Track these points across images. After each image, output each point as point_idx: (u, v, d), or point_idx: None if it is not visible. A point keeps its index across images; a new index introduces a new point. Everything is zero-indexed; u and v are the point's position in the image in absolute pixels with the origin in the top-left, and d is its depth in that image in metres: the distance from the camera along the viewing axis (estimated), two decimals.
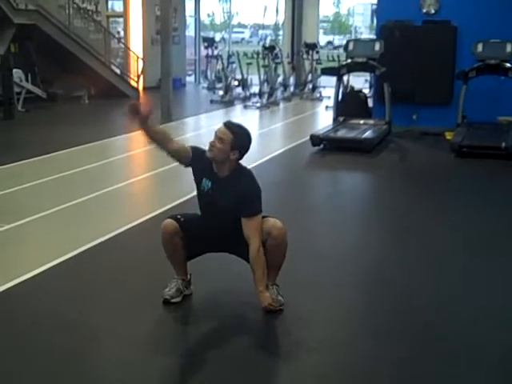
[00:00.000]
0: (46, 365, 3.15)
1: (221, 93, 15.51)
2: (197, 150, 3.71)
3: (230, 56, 16.37)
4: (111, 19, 18.98)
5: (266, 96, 14.63)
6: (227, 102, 14.75)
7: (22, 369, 3.11)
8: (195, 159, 3.67)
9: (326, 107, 13.78)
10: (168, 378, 3.11)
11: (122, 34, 18.76)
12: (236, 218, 3.63)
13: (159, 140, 3.71)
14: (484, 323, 3.66)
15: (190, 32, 21.21)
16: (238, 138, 3.60)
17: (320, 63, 16.62)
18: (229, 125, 3.63)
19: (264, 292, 3.59)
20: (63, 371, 3.09)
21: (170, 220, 3.73)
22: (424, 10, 10.56)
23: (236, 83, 15.75)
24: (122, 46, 17.74)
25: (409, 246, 5.08)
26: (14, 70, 12.24)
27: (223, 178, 3.65)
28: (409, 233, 5.45)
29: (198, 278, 3.93)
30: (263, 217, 3.66)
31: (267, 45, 16.27)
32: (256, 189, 3.68)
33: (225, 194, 3.63)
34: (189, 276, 3.88)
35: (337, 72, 10.68)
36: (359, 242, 5.25)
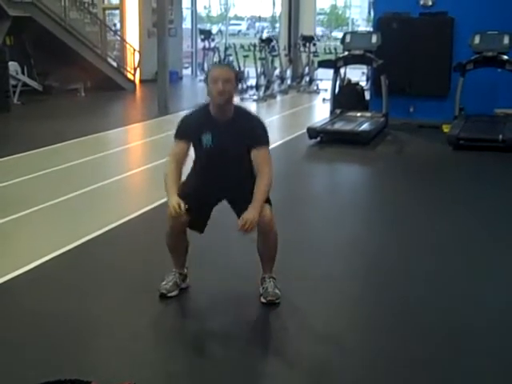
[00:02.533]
0: (44, 358, 3.14)
1: None
2: (182, 131, 3.64)
3: (226, 48, 16.34)
4: (107, 11, 18.92)
5: (262, 89, 14.59)
6: None
7: (20, 361, 3.10)
8: (187, 135, 3.61)
9: (323, 100, 13.76)
10: (164, 371, 3.11)
11: (118, 26, 18.70)
12: (241, 159, 3.59)
13: (178, 182, 3.64)
14: (486, 315, 3.67)
15: (187, 24, 21.14)
16: (236, 72, 3.64)
17: (317, 56, 16.58)
18: (221, 65, 3.67)
19: (257, 211, 3.44)
20: (61, 364, 3.08)
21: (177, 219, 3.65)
22: (421, 2, 10.52)
23: None
24: (119, 38, 17.68)
25: (406, 238, 5.08)
26: (10, 63, 12.19)
27: (225, 122, 3.59)
28: (406, 224, 5.44)
29: (194, 271, 3.93)
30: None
31: (264, 37, 16.22)
32: (261, 121, 3.70)
33: (231, 136, 3.57)
34: (186, 269, 3.88)
35: (334, 65, 10.65)
36: (356, 234, 5.25)
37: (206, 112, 3.63)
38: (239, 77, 3.65)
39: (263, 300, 3.71)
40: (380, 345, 3.32)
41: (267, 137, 3.66)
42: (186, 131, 3.65)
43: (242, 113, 3.71)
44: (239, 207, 3.61)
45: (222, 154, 3.60)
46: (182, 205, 3.45)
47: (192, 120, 3.67)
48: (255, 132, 3.62)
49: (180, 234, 3.70)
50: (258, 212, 3.47)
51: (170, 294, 3.76)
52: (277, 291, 3.72)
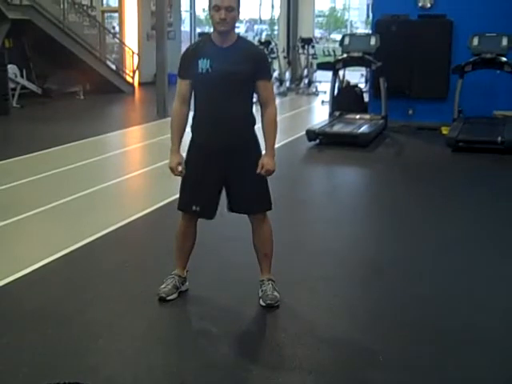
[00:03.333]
0: (43, 360, 3.14)
1: None
2: (183, 67, 3.58)
3: None
4: (106, 14, 18.92)
5: None
6: None
7: (21, 363, 3.10)
8: (188, 70, 3.55)
9: (322, 102, 13.77)
10: (163, 374, 3.10)
11: (117, 29, 18.70)
12: (243, 84, 3.51)
13: (185, 126, 3.65)
14: (487, 315, 3.67)
15: (186, 27, 21.16)
16: None
17: (316, 58, 16.59)
18: None
19: (272, 157, 3.56)
20: (61, 366, 3.08)
21: (189, 215, 3.69)
22: (420, 5, 10.53)
23: None
24: (117, 41, 17.69)
25: (406, 240, 5.08)
26: (9, 66, 12.19)
27: (227, 48, 3.52)
28: (405, 227, 5.44)
29: (193, 274, 3.92)
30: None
31: (263, 39, 16.23)
32: (263, 52, 3.71)
33: (233, 58, 3.49)
34: (186, 272, 3.87)
35: (332, 67, 10.66)
36: (356, 236, 5.25)
37: (207, 40, 3.58)
38: (239, 1, 3.52)
39: (262, 303, 3.70)
40: (380, 346, 3.31)
41: (270, 69, 3.65)
42: (186, 65, 3.57)
43: (245, 41, 3.70)
44: (237, 192, 3.65)
45: (223, 77, 3.48)
46: (180, 167, 3.55)
47: (191, 50, 3.61)
48: (261, 60, 3.59)
49: (186, 234, 3.73)
50: (273, 158, 3.57)
51: (169, 298, 3.76)
52: (276, 294, 3.72)
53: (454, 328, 3.53)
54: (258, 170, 3.53)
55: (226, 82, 3.48)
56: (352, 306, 3.88)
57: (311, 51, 16.99)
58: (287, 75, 17.33)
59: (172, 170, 3.61)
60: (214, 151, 3.59)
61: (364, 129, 9.40)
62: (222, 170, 3.62)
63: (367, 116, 10.31)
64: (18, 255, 4.60)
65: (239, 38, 3.61)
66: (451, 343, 3.36)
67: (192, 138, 3.67)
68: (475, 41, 9.55)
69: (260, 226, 3.68)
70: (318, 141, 9.04)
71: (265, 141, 3.58)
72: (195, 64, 3.50)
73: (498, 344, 3.38)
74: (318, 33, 25.19)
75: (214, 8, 3.45)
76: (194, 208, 3.66)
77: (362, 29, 27.88)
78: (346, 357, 3.25)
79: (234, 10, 3.46)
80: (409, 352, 3.28)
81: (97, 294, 3.95)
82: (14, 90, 12.48)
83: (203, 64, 3.49)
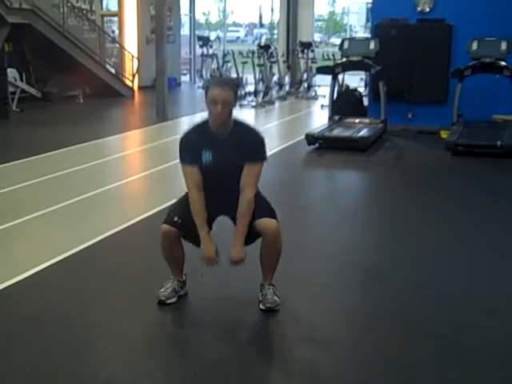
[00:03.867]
0: (43, 362, 3.13)
1: None
2: (186, 155, 3.60)
3: (225, 55, 16.36)
4: (106, 18, 18.95)
5: (261, 95, 14.61)
6: None
7: (20, 367, 3.09)
8: (193, 157, 3.57)
9: (322, 106, 13.79)
10: (162, 378, 3.10)
11: (116, 33, 18.73)
12: (240, 173, 3.55)
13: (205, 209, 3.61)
14: (487, 317, 3.66)
15: (185, 31, 21.19)
16: (235, 90, 3.54)
17: (315, 62, 16.62)
18: (221, 83, 3.54)
19: (241, 247, 3.55)
20: (59, 368, 3.08)
21: (168, 227, 3.62)
22: (419, 9, 10.56)
23: None
24: (117, 45, 17.71)
25: (406, 244, 5.08)
26: (9, 70, 12.21)
27: (225, 138, 3.55)
28: (405, 231, 5.45)
29: (193, 278, 3.92)
30: (260, 215, 3.60)
31: (262, 44, 16.25)
32: (260, 137, 3.64)
33: (230, 152, 3.53)
34: (184, 276, 3.87)
35: (332, 71, 10.67)
36: (356, 240, 5.24)
37: (205, 128, 3.59)
38: (236, 94, 3.55)
39: (262, 307, 3.70)
40: (380, 351, 3.31)
41: (264, 152, 3.63)
42: (191, 154, 3.59)
43: (241, 126, 3.65)
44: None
45: (223, 169, 3.56)
46: (217, 257, 3.58)
47: (192, 139, 3.63)
48: (253, 147, 3.57)
49: (170, 247, 3.68)
50: (241, 247, 3.55)
51: (168, 301, 3.75)
52: (276, 298, 3.71)
53: (454, 329, 3.52)
54: (230, 264, 3.58)
55: (225, 172, 3.56)
56: (352, 309, 3.87)
57: (311, 55, 17.01)
58: (287, 79, 17.35)
59: (210, 259, 3.56)
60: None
61: (363, 133, 9.41)
62: (221, 213, 3.75)
63: (367, 120, 10.32)
64: (17, 259, 4.59)
65: (235, 123, 3.59)
66: (451, 344, 3.35)
67: None
68: (474, 45, 9.57)
69: (273, 243, 3.60)
70: (317, 145, 9.04)
71: (237, 227, 3.56)
72: (199, 155, 3.57)
73: (498, 344, 3.38)
74: (317, 37, 25.22)
75: (211, 101, 3.47)
76: (175, 219, 3.62)
77: (361, 33, 27.90)
78: (346, 360, 3.25)
79: (230, 103, 3.47)
80: (409, 353, 3.28)
81: (96, 297, 3.95)
82: (13, 93, 12.49)
83: (206, 156, 3.56)
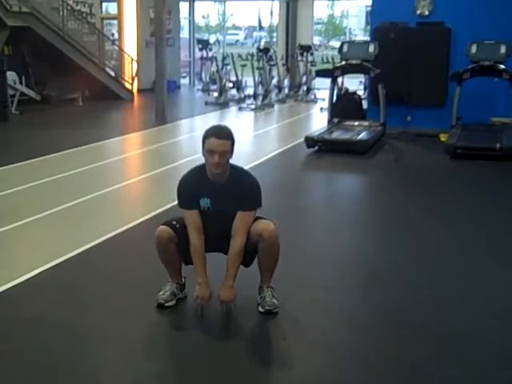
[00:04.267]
0: (42, 364, 3.13)
1: (215, 95, 15.52)
2: (186, 200, 3.62)
3: (224, 58, 16.36)
4: (105, 21, 18.96)
5: (260, 98, 14.62)
6: (222, 104, 14.75)
7: (19, 368, 3.10)
8: (192, 202, 3.60)
9: (321, 109, 13.80)
10: (161, 381, 3.10)
11: (116, 36, 18.74)
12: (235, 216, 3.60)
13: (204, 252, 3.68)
14: (486, 319, 3.66)
15: (185, 34, 21.21)
16: (233, 140, 3.56)
17: (314, 65, 16.63)
18: (220, 134, 3.51)
19: (232, 288, 3.58)
20: (59, 371, 3.08)
21: (164, 227, 3.66)
22: (418, 12, 10.57)
23: (230, 85, 15.75)
24: (117, 48, 17.72)
25: (405, 246, 5.08)
26: (8, 73, 12.20)
27: (222, 185, 3.59)
28: (405, 233, 5.45)
29: (192, 281, 3.92)
30: (256, 218, 3.64)
31: (262, 47, 16.26)
32: (256, 184, 3.65)
33: (227, 199, 3.57)
34: (183, 279, 3.87)
35: (331, 74, 10.68)
36: (355, 242, 5.25)
37: (203, 174, 3.60)
38: (234, 144, 3.55)
39: (261, 309, 3.70)
40: (381, 352, 3.31)
41: (259, 200, 3.63)
42: (188, 199, 3.61)
43: (238, 173, 3.66)
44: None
45: (220, 215, 3.59)
46: (209, 299, 3.61)
47: (190, 185, 3.65)
48: (249, 196, 3.60)
49: (166, 249, 3.69)
50: (232, 288, 3.57)
51: (167, 304, 3.75)
52: (274, 301, 3.72)
53: (454, 331, 3.52)
54: (221, 304, 3.61)
55: (222, 218, 3.58)
56: (352, 311, 3.87)
57: (310, 58, 17.04)
58: (286, 82, 17.37)
59: (202, 299, 3.59)
60: None
61: (363, 136, 9.41)
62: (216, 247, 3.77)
63: (366, 123, 10.32)
64: (16, 261, 4.59)
65: (232, 170, 3.61)
66: (451, 344, 3.35)
67: None
68: (473, 48, 9.58)
69: (271, 247, 3.61)
70: (316, 148, 9.05)
71: (227, 270, 3.59)
72: (198, 202, 3.60)
73: (497, 345, 3.39)
74: (316, 40, 25.25)
75: (208, 151, 3.48)
76: (174, 223, 3.67)
77: (360, 36, 27.92)
78: (346, 362, 3.25)
79: (227, 153, 3.49)
80: (409, 354, 3.29)
81: (95, 300, 3.95)
82: (13, 96, 12.49)
83: (204, 203, 3.60)
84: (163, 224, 3.70)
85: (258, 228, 3.59)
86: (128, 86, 16.37)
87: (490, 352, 3.32)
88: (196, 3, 21.52)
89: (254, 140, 10.68)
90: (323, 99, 14.64)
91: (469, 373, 3.14)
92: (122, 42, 17.90)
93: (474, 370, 3.15)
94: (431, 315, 3.78)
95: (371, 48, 10.04)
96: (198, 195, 3.60)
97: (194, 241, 3.59)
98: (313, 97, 16.34)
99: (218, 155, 3.45)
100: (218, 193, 3.59)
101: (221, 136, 3.50)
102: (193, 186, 3.63)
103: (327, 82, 11.13)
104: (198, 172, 3.65)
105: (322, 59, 17.44)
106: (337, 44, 18.36)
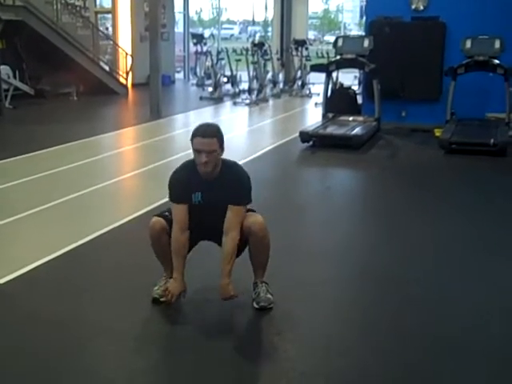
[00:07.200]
0: (39, 361, 3.13)
1: (210, 89, 15.50)
2: (176, 194, 3.61)
3: (219, 52, 16.35)
4: (99, 15, 18.90)
5: (255, 93, 14.61)
6: (216, 99, 14.74)
7: (15, 365, 3.10)
8: (182, 197, 3.59)
9: (316, 104, 13.80)
10: (155, 376, 3.10)
11: (110, 30, 18.68)
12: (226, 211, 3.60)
13: (186, 250, 3.66)
14: (483, 317, 3.68)
15: (179, 28, 21.16)
16: (220, 137, 3.54)
17: (309, 60, 16.63)
18: (205, 133, 3.50)
19: (230, 284, 3.54)
20: (55, 367, 3.08)
21: (157, 218, 3.68)
22: (413, 7, 10.57)
23: (225, 80, 15.74)
24: (111, 42, 17.66)
25: (400, 242, 5.09)
26: (2, 67, 12.17)
27: (214, 181, 3.59)
28: (398, 229, 5.46)
29: (186, 275, 3.92)
30: (247, 210, 3.64)
31: (256, 41, 16.25)
32: (245, 179, 3.65)
33: (218, 194, 3.58)
34: None
35: (326, 69, 10.68)
36: (349, 238, 5.25)
37: (193, 170, 3.59)
38: (223, 141, 3.53)
39: (255, 305, 3.71)
40: (375, 349, 3.32)
41: (249, 195, 3.63)
42: (180, 193, 3.61)
43: (229, 169, 3.64)
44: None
45: (212, 209, 3.59)
46: (181, 297, 3.60)
47: (181, 180, 3.63)
48: (238, 190, 3.59)
49: (159, 241, 3.68)
50: (229, 285, 3.51)
51: (162, 299, 3.75)
52: (269, 296, 3.72)
53: (453, 331, 3.53)
54: (223, 298, 3.56)
55: (214, 212, 3.57)
56: (347, 308, 3.88)
57: (305, 53, 17.02)
58: (280, 77, 17.36)
59: (172, 295, 3.54)
60: None
61: (357, 131, 9.42)
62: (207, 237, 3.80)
63: (360, 118, 10.33)
64: (12, 256, 4.59)
65: (224, 166, 3.59)
66: (451, 344, 3.36)
67: None
68: (468, 43, 9.58)
69: (260, 241, 3.61)
70: (311, 142, 9.05)
71: (222, 267, 3.54)
72: (189, 197, 3.59)
73: (496, 344, 3.39)
74: (311, 34, 25.24)
75: (195, 150, 3.49)
76: (166, 214, 3.69)
77: (355, 31, 27.95)
78: (341, 359, 3.25)
79: (215, 151, 3.47)
80: (405, 350, 3.29)
81: (91, 295, 3.95)
82: (6, 91, 12.45)
83: (196, 197, 3.60)
84: (156, 215, 3.72)
85: (246, 221, 3.59)
86: (122, 80, 16.34)
87: (489, 351, 3.31)
88: None
89: (249, 135, 10.68)
90: (318, 94, 14.64)
91: (469, 372, 3.13)
92: (117, 36, 17.85)
93: (474, 370, 3.15)
94: (429, 312, 3.79)
95: (366, 43, 10.04)
96: (189, 190, 3.60)
97: (176, 235, 3.58)
98: (307, 91, 16.34)
99: (204, 154, 3.45)
100: (209, 187, 3.60)
101: (206, 134, 3.49)
102: (184, 181, 3.63)
103: (322, 76, 11.13)
104: (190, 167, 3.65)
105: (317, 54, 17.42)
106: (331, 39, 18.32)
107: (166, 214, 3.70)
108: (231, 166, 3.68)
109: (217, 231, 3.63)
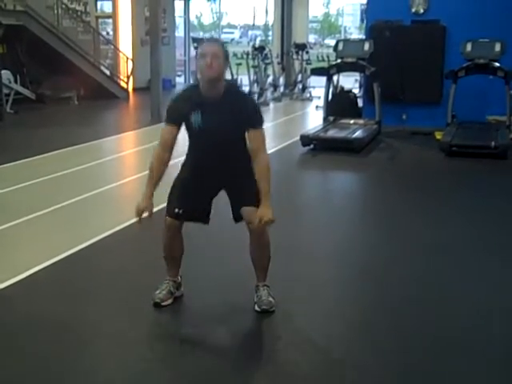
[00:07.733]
0: (39, 363, 3.13)
1: None
2: (170, 114, 3.57)
3: None
4: (100, 20, 18.93)
5: (255, 96, 14.62)
6: None
7: (16, 367, 3.09)
8: (175, 118, 3.54)
9: (316, 107, 13.80)
10: (157, 379, 3.10)
11: (111, 34, 18.71)
12: (235, 139, 3.54)
13: (163, 172, 3.64)
14: (482, 318, 3.68)
15: (180, 33, 21.19)
16: (225, 50, 3.52)
17: (310, 63, 16.64)
18: (210, 40, 3.70)
19: (269, 207, 3.49)
20: (55, 370, 3.08)
21: (171, 220, 3.64)
22: (413, 10, 10.60)
23: None
24: (112, 46, 17.69)
25: (400, 243, 5.10)
26: (3, 71, 12.18)
27: (217, 101, 3.49)
28: (398, 231, 5.46)
29: (188, 279, 3.93)
30: (244, 204, 3.60)
31: (257, 45, 16.27)
32: (254, 100, 3.67)
33: (222, 115, 3.48)
34: (179, 278, 3.87)
35: (326, 72, 10.69)
36: (350, 240, 5.26)
37: (195, 90, 3.55)
38: (227, 52, 3.52)
39: (257, 308, 3.70)
40: (375, 349, 3.32)
41: (261, 117, 3.60)
42: (174, 113, 3.56)
43: (233, 90, 3.60)
44: (236, 197, 3.63)
45: (213, 134, 3.52)
46: (145, 214, 3.53)
47: (180, 100, 3.59)
48: (248, 112, 3.53)
49: (173, 241, 3.69)
50: (269, 207, 3.49)
51: (164, 303, 3.75)
52: (271, 299, 3.72)
53: (453, 331, 3.53)
54: (257, 223, 3.48)
55: (216, 137, 3.53)
56: (348, 310, 3.88)
57: (305, 57, 17.03)
58: (281, 81, 17.38)
59: (137, 213, 3.54)
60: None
61: (358, 134, 9.42)
62: (216, 179, 3.63)
63: (361, 121, 10.34)
64: (12, 260, 4.59)
65: (227, 87, 3.54)
66: (451, 344, 3.37)
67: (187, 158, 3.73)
68: (468, 46, 9.60)
69: (259, 238, 3.61)
70: (312, 146, 9.05)
71: (259, 189, 3.51)
72: (188, 117, 3.52)
73: (496, 344, 3.40)
74: (311, 38, 25.27)
75: (200, 55, 3.47)
76: (176, 210, 3.64)
77: (355, 34, 27.97)
78: (343, 361, 3.25)
79: (220, 58, 3.45)
80: (407, 355, 3.28)
81: (92, 299, 3.95)
82: (7, 95, 12.46)
83: (195, 118, 3.51)
84: (168, 215, 3.67)
85: (246, 214, 3.56)
86: (123, 84, 16.36)
87: (488, 351, 3.32)
88: (191, 2, 21.47)
89: None
90: (318, 97, 14.64)
91: (468, 372, 3.14)
92: (117, 40, 17.87)
93: (474, 370, 3.15)
94: (428, 312, 3.79)
95: (366, 46, 10.06)
96: (188, 110, 3.51)
97: (158, 152, 3.60)
98: (308, 95, 16.35)
99: (210, 57, 3.41)
100: (211, 108, 3.49)
101: (211, 41, 3.77)
102: (185, 100, 3.56)
103: (322, 80, 11.14)
104: (191, 88, 3.64)
105: (318, 57, 17.43)
106: (332, 42, 18.33)
107: (176, 211, 3.64)
108: (234, 86, 3.69)
109: (226, 170, 3.56)
